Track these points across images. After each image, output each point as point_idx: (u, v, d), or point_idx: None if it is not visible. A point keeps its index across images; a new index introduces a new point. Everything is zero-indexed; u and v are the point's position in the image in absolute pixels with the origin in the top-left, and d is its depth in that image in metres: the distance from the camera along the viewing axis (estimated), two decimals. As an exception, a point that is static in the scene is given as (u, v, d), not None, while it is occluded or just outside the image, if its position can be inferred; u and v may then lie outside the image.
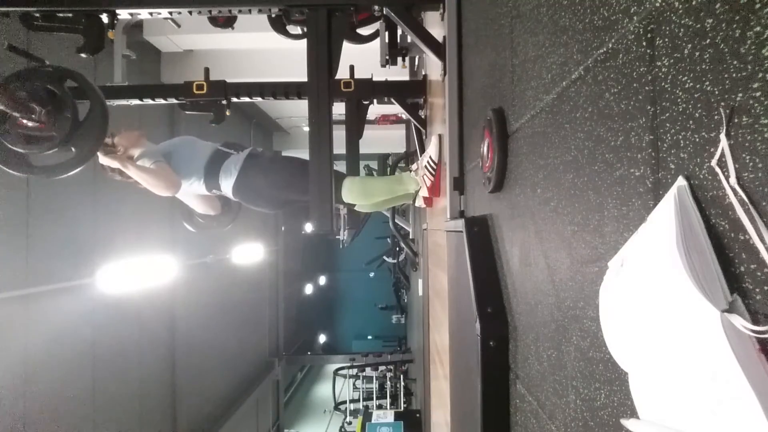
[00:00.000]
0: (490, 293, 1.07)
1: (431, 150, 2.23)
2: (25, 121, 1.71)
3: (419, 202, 2.44)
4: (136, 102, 2.79)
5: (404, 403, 8.62)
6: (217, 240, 7.19)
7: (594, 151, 0.60)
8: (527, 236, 0.88)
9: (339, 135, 2.45)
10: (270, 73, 5.50)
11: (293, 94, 2.93)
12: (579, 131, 0.64)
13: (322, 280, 17.56)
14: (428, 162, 2.24)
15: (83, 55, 2.20)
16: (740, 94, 0.35)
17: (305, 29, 2.35)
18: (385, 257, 11.56)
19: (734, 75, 0.36)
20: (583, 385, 0.62)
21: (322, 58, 2.12)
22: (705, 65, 0.39)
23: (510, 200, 1.02)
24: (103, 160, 2.16)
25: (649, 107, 0.48)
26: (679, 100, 0.43)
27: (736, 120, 0.36)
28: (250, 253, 8.13)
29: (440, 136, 2.21)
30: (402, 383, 8.72)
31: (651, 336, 0.43)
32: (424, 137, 3.31)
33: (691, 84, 0.41)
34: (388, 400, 8.88)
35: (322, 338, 17.15)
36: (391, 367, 9.02)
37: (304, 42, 2.21)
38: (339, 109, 2.83)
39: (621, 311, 0.49)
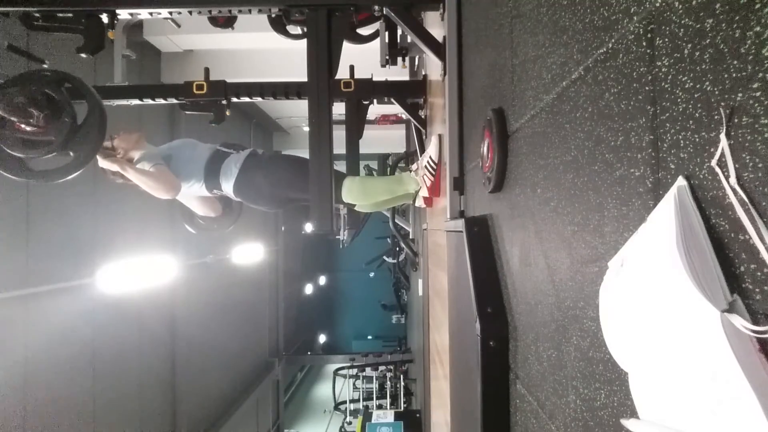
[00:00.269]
0: (490, 293, 1.07)
1: (431, 150, 2.23)
2: (23, 125, 1.71)
3: (419, 202, 2.44)
4: (136, 102, 2.79)
5: (404, 403, 8.62)
6: (217, 240, 7.19)
7: (594, 151, 0.60)
8: (527, 236, 0.88)
9: (339, 135, 2.45)
10: (270, 73, 5.50)
11: (293, 94, 2.93)
12: (579, 131, 0.64)
13: (322, 280, 17.56)
14: (428, 162, 2.24)
15: (83, 55, 2.20)
16: (740, 94, 0.35)
17: (305, 29, 2.35)
18: (385, 257, 11.56)
19: (734, 75, 0.36)
20: (583, 385, 0.62)
21: (322, 58, 2.12)
22: (705, 65, 0.39)
23: (510, 200, 1.02)
24: (102, 163, 2.16)
25: (649, 107, 0.48)
26: (679, 100, 0.43)
27: (736, 120, 0.36)
28: (250, 253, 8.13)
29: (440, 136, 2.21)
30: (402, 383, 8.72)
31: (651, 336, 0.43)
32: (424, 137, 3.31)
33: (691, 84, 0.41)
34: (388, 400, 8.88)
35: (322, 338, 17.15)
36: (391, 367, 9.02)
37: (304, 42, 2.21)
38: (339, 109, 2.83)
39: (621, 311, 0.49)
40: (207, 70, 2.88)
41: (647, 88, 0.48)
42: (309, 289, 15.91)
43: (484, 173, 1.18)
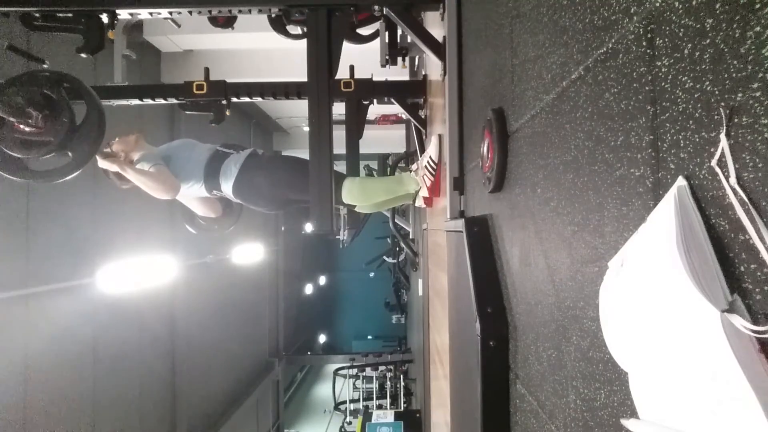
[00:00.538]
0: (490, 293, 1.07)
1: (431, 150, 2.23)
2: (22, 126, 1.71)
3: (419, 202, 2.44)
4: (136, 102, 2.79)
5: (404, 403, 8.62)
6: (217, 240, 7.19)
7: (594, 151, 0.60)
8: (527, 236, 0.88)
9: (339, 135, 2.45)
10: (270, 73, 5.50)
11: (293, 94, 2.93)
12: (579, 131, 0.64)
13: (322, 280, 17.56)
14: (428, 162, 2.24)
15: (83, 55, 2.20)
16: (740, 94, 0.35)
17: (305, 29, 2.35)
18: (385, 257, 11.56)
19: (734, 75, 0.36)
20: (583, 385, 0.62)
21: (322, 58, 2.12)
22: (705, 65, 0.39)
23: (510, 200, 1.02)
24: (102, 164, 2.16)
25: (649, 107, 0.48)
26: (679, 100, 0.43)
27: (736, 120, 0.36)
28: (250, 253, 8.12)
29: (440, 136, 2.21)
30: (402, 383, 8.72)
31: (651, 336, 0.43)
32: (424, 137, 3.31)
33: (691, 84, 0.41)
34: (388, 400, 8.87)
35: (322, 338, 17.15)
36: (391, 367, 9.02)
37: (304, 42, 2.21)
38: (339, 109, 2.83)
39: (621, 311, 0.49)
40: (207, 70, 2.88)
41: (647, 88, 0.48)
42: (309, 289, 15.90)
43: (484, 173, 1.18)
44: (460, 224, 1.30)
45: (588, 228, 0.61)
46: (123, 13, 2.17)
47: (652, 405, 0.44)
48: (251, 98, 2.97)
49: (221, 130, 3.90)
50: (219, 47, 5.67)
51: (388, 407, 8.41)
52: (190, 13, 2.19)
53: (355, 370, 9.41)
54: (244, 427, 8.57)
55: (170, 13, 2.18)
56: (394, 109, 4.90)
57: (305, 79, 2.16)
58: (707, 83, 0.39)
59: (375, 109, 4.26)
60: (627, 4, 0.52)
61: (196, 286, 6.38)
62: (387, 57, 2.66)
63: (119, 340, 4.83)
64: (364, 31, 2.93)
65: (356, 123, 3.01)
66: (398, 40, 2.76)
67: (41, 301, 3.76)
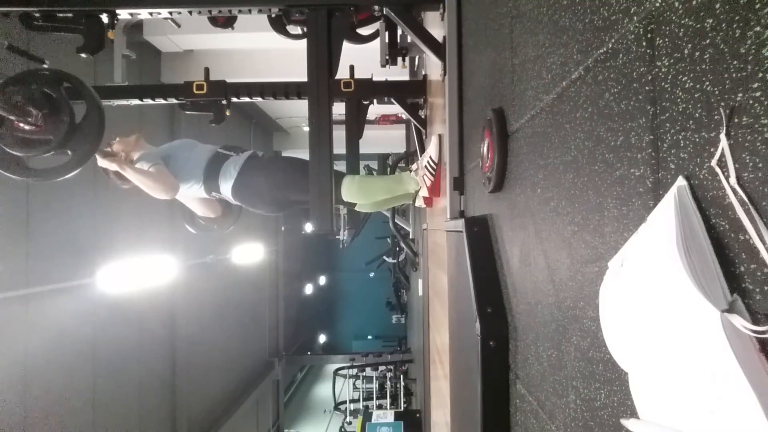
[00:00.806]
0: (490, 293, 1.07)
1: (431, 150, 2.23)
2: (21, 124, 1.71)
3: (419, 202, 2.44)
4: (136, 102, 2.79)
5: (404, 403, 8.62)
6: (217, 240, 7.19)
7: (594, 151, 0.60)
8: (527, 236, 0.88)
9: (339, 135, 2.45)
10: (270, 73, 5.50)
11: (293, 94, 2.93)
12: (579, 131, 0.64)
13: (322, 280, 17.56)
14: (428, 162, 2.23)
15: (83, 55, 2.20)
16: (740, 94, 0.35)
17: (305, 29, 2.35)
18: (385, 257, 11.56)
19: (734, 75, 0.36)
20: (583, 385, 0.62)
21: (322, 58, 2.12)
22: (705, 65, 0.39)
23: (510, 200, 1.02)
24: (101, 163, 2.16)
25: (649, 107, 0.48)
26: (679, 100, 0.43)
27: (736, 120, 0.36)
28: (250, 253, 8.13)
29: (440, 136, 2.21)
30: (402, 383, 8.72)
31: (651, 336, 0.43)
32: (424, 137, 3.31)
33: (691, 84, 0.41)
34: (388, 400, 8.88)
35: (322, 338, 17.15)
36: (391, 367, 9.03)
37: (304, 42, 2.21)
38: (339, 109, 2.83)
39: (621, 311, 0.49)
40: (207, 70, 2.88)
41: (647, 88, 0.48)
42: (309, 289, 15.91)
43: (484, 173, 1.18)
44: (460, 224, 1.30)
45: (588, 228, 0.61)
46: (123, 13, 2.18)
47: (652, 405, 0.44)
48: (251, 98, 2.98)
49: (221, 130, 3.91)
50: (219, 47, 5.67)
51: (388, 407, 8.41)
52: (190, 13, 2.19)
53: (355, 370, 9.42)
54: (244, 427, 8.57)
55: (170, 13, 2.18)
56: (394, 109, 4.91)
57: (305, 79, 2.16)
58: (707, 83, 0.39)
59: (375, 109, 4.27)
60: (627, 4, 0.52)
61: (196, 286, 6.38)
62: (387, 57, 2.66)
63: (119, 340, 4.83)
64: (364, 31, 2.93)
65: (356, 123, 3.01)
66: (398, 40, 2.76)
67: (41, 301, 3.76)
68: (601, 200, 0.58)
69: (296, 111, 8.50)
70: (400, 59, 2.79)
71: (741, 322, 0.33)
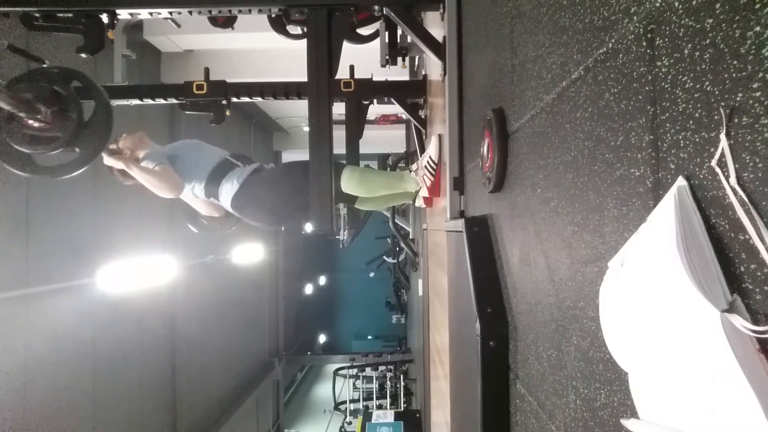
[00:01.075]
0: (490, 293, 1.07)
1: (431, 150, 2.23)
2: (30, 121, 1.72)
3: (419, 202, 2.44)
4: (136, 102, 2.79)
5: (404, 403, 8.62)
6: (217, 240, 7.19)
7: (594, 151, 0.60)
8: (527, 236, 0.88)
9: (339, 135, 2.45)
10: (270, 73, 5.51)
11: (293, 94, 2.93)
12: (579, 131, 0.64)
13: (322, 280, 17.56)
14: (428, 162, 2.23)
15: (83, 55, 2.20)
16: (740, 94, 0.35)
17: (305, 29, 2.35)
18: (385, 257, 11.56)
19: (734, 75, 0.36)
20: (583, 385, 0.62)
21: (322, 58, 2.12)
22: (705, 65, 0.39)
23: (510, 200, 1.02)
24: (107, 161, 2.16)
25: (649, 107, 0.48)
26: (679, 100, 0.43)
27: (736, 120, 0.36)
28: (250, 253, 8.13)
29: (440, 136, 2.21)
30: (402, 383, 8.72)
31: (651, 336, 0.43)
32: (424, 137, 3.31)
33: (691, 84, 0.41)
34: (388, 400, 8.88)
35: (322, 338, 17.16)
36: (391, 367, 9.03)
37: (304, 42, 2.21)
38: (339, 109, 2.83)
39: (621, 311, 0.49)
40: (207, 70, 2.88)
41: (647, 88, 0.48)
42: (309, 289, 15.91)
43: (484, 173, 1.18)
44: (460, 224, 1.30)
45: (588, 228, 0.61)
46: (123, 13, 2.18)
47: (652, 405, 0.44)
48: (251, 98, 2.98)
49: (221, 130, 3.91)
50: (219, 47, 5.67)
51: (388, 407, 8.42)
52: (190, 13, 2.19)
53: (355, 370, 9.42)
54: (244, 427, 8.57)
55: (170, 13, 2.18)
56: (394, 109, 4.91)
57: (305, 79, 2.16)
58: (707, 83, 0.39)
59: (375, 109, 4.27)
60: (627, 4, 0.52)
61: (196, 286, 6.38)
62: (387, 57, 2.66)
63: (119, 340, 4.83)
64: (364, 31, 2.93)
65: (356, 123, 3.01)
66: (398, 40, 2.76)
67: (41, 301, 3.76)
68: (601, 200, 0.58)
69: (296, 111, 8.50)
70: (400, 59, 2.79)
71: (741, 322, 0.33)
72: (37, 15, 2.16)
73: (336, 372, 9.84)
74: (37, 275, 3.73)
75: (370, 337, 17.29)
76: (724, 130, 0.37)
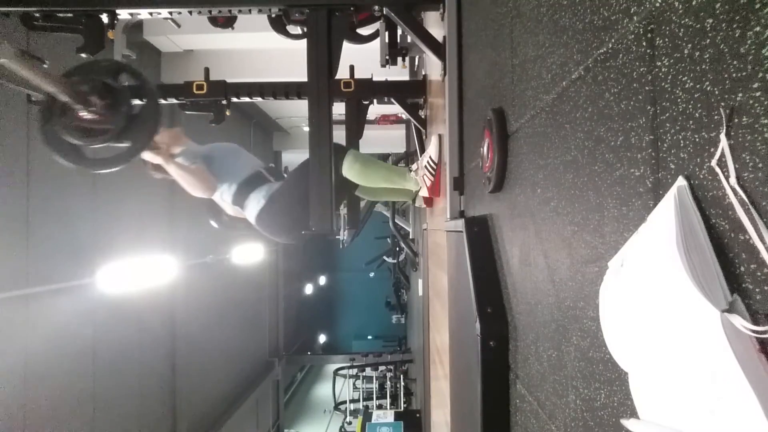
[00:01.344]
0: (490, 293, 1.07)
1: (431, 150, 2.23)
2: (83, 113, 1.71)
3: (419, 202, 2.44)
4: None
5: (404, 403, 8.62)
6: (217, 240, 7.19)
7: (594, 151, 0.60)
8: (527, 236, 0.88)
9: (339, 135, 2.44)
10: (270, 73, 5.51)
11: (293, 94, 2.93)
12: (579, 131, 0.64)
13: (322, 280, 17.56)
14: (428, 162, 2.23)
15: (83, 55, 2.20)
16: (740, 94, 0.35)
17: (305, 29, 2.35)
18: (385, 257, 11.57)
19: (734, 75, 0.36)
20: (583, 385, 0.62)
21: (322, 58, 2.12)
22: (705, 65, 0.39)
23: (510, 200, 1.02)
24: (146, 155, 2.16)
25: (649, 107, 0.48)
26: (679, 100, 0.43)
27: (736, 120, 0.36)
28: (250, 253, 8.12)
29: (440, 136, 2.21)
30: (402, 383, 8.72)
31: (651, 336, 0.43)
32: (424, 137, 3.31)
33: (691, 84, 0.41)
34: (388, 400, 8.88)
35: (322, 338, 17.16)
36: (391, 367, 9.03)
37: (304, 42, 2.21)
38: (339, 109, 2.83)
39: (621, 311, 0.49)
40: (207, 70, 2.88)
41: (647, 88, 0.48)
42: (309, 289, 15.91)
43: (484, 173, 1.18)
44: (460, 224, 1.30)
45: (588, 228, 0.61)
46: (123, 13, 2.18)
47: (652, 405, 0.44)
48: (251, 98, 2.98)
49: (221, 130, 3.90)
50: (219, 47, 5.67)
51: (388, 407, 8.42)
52: (190, 13, 2.19)
53: (355, 370, 9.42)
54: (244, 427, 8.57)
55: (170, 13, 2.18)
56: (394, 109, 4.91)
57: (305, 79, 2.16)
58: (707, 83, 0.39)
59: (375, 109, 4.26)
60: (627, 4, 0.52)
61: (196, 286, 6.38)
62: (387, 57, 2.66)
63: (119, 340, 4.83)
64: (364, 31, 2.93)
65: (356, 123, 3.01)
66: (398, 40, 2.76)
67: (41, 301, 3.76)
68: (601, 200, 0.58)
69: (296, 111, 8.50)
70: (400, 59, 2.79)
71: (741, 322, 0.33)
72: (37, 15, 2.16)
73: (336, 372, 9.84)
74: (37, 275, 3.73)
75: (370, 337, 17.30)
76: (724, 130, 0.37)
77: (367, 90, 2.97)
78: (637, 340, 0.46)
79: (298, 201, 2.21)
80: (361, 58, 3.01)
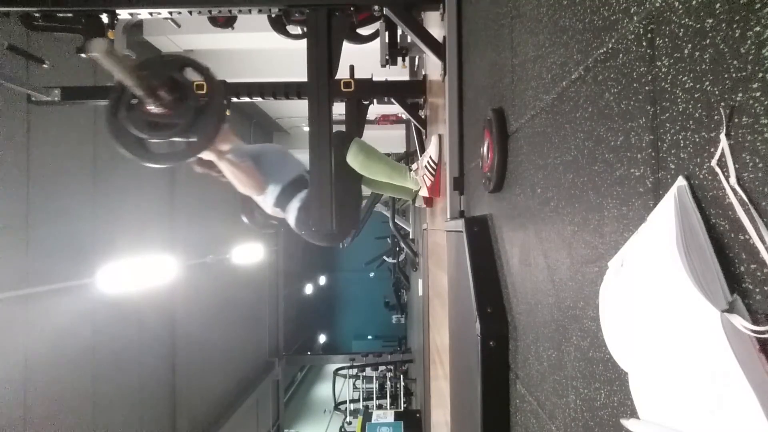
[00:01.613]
0: (490, 293, 1.07)
1: (431, 150, 2.23)
2: (151, 107, 1.71)
3: (419, 202, 2.43)
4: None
5: (404, 403, 8.63)
6: (217, 240, 7.20)
7: (594, 151, 0.60)
8: (527, 236, 0.88)
9: (339, 135, 2.44)
10: (270, 73, 5.51)
11: (293, 94, 2.93)
12: (579, 131, 0.64)
13: (322, 280, 17.57)
14: (428, 162, 2.23)
15: (83, 55, 2.20)
16: (740, 94, 0.35)
17: (305, 29, 2.35)
18: (385, 257, 11.57)
19: (734, 75, 0.36)
20: (583, 385, 0.62)
21: (322, 58, 2.12)
22: (705, 65, 0.39)
23: (510, 200, 1.02)
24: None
25: (649, 107, 0.48)
26: (679, 100, 0.43)
27: (736, 120, 0.36)
28: (250, 253, 8.13)
29: (440, 136, 2.21)
30: (402, 383, 8.72)
31: (651, 336, 0.43)
32: (424, 137, 3.31)
33: (691, 84, 0.41)
34: (388, 400, 8.88)
35: (322, 338, 17.16)
36: (391, 367, 9.03)
37: (304, 42, 2.21)
38: (339, 109, 2.83)
39: (621, 311, 0.49)
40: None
41: (647, 88, 0.48)
42: (309, 289, 15.91)
43: (484, 173, 1.18)
44: (460, 224, 1.30)
45: (588, 228, 0.61)
46: (123, 13, 2.18)
47: (652, 405, 0.44)
48: (251, 98, 2.97)
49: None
50: (219, 47, 5.67)
51: (388, 407, 8.42)
52: (190, 13, 2.19)
53: (355, 370, 9.42)
54: (245, 426, 8.57)
55: (170, 13, 2.18)
56: (394, 109, 4.91)
57: (305, 79, 2.16)
58: (707, 83, 0.39)
59: (375, 109, 4.27)
60: (627, 4, 0.52)
61: (196, 286, 6.38)
62: (387, 57, 2.66)
63: (119, 340, 4.83)
64: (364, 31, 2.93)
65: (356, 123, 3.01)
66: (398, 40, 2.76)
67: (41, 301, 3.76)
68: (601, 200, 0.58)
69: (296, 111, 8.50)
70: (400, 59, 2.79)
71: (741, 322, 0.33)
72: (37, 15, 2.16)
73: (336, 372, 9.84)
74: (37, 275, 3.73)
75: (370, 337, 17.30)
76: (724, 130, 0.37)
77: (367, 90, 2.97)
78: (637, 340, 0.46)
79: (340, 210, 2.22)
80: (361, 58, 3.01)
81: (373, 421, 5.41)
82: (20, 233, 3.66)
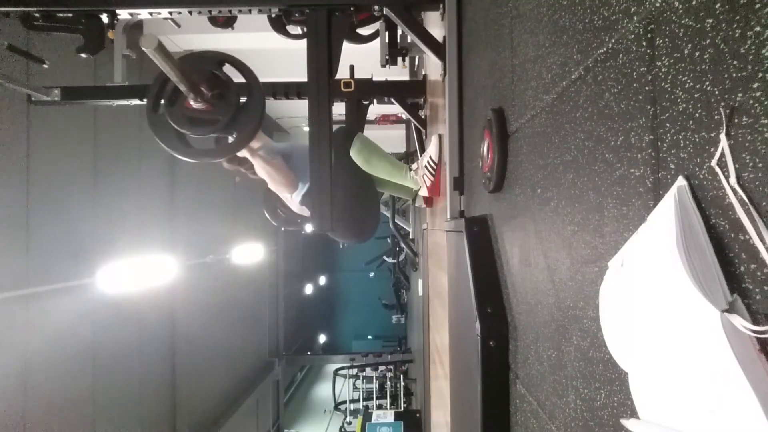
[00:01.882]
0: (490, 293, 1.07)
1: (431, 150, 2.23)
2: (192, 103, 1.71)
3: (419, 202, 2.43)
4: (136, 102, 2.78)
5: (404, 403, 8.62)
6: (217, 240, 7.20)
7: (594, 151, 0.60)
8: (527, 236, 0.88)
9: (339, 135, 2.44)
10: (270, 73, 5.49)
11: (293, 94, 2.92)
12: (579, 131, 0.64)
13: (322, 280, 17.56)
14: (428, 162, 2.23)
15: (83, 55, 2.20)
16: (740, 94, 0.35)
17: (305, 29, 2.35)
18: (385, 257, 11.56)
19: (734, 75, 0.36)
20: (583, 385, 0.62)
21: (322, 58, 2.12)
22: (705, 65, 0.39)
23: (510, 200, 1.02)
24: None
25: (649, 107, 0.48)
26: (679, 100, 0.43)
27: (736, 120, 0.36)
28: (250, 253, 8.13)
29: (440, 136, 2.21)
30: (402, 383, 8.72)
31: (651, 336, 0.43)
32: (424, 137, 3.31)
33: (691, 84, 0.41)
34: (388, 400, 8.88)
35: (322, 338, 17.15)
36: (391, 367, 9.03)
37: (304, 42, 2.21)
38: (339, 109, 2.83)
39: (621, 311, 0.49)
40: (207, 70, 2.87)
41: (647, 88, 0.48)
42: (309, 289, 15.90)
43: (484, 173, 1.18)
44: (460, 224, 1.30)
45: (588, 228, 0.61)
46: (123, 13, 2.17)
47: (652, 405, 0.44)
48: (251, 98, 2.97)
49: (221, 130, 3.90)
50: (219, 47, 5.66)
51: (388, 407, 8.42)
52: (190, 13, 2.19)
53: (355, 370, 9.42)
54: (244, 427, 8.57)
55: (170, 13, 2.18)
56: (394, 109, 4.91)
57: (305, 79, 2.16)
58: (707, 83, 0.39)
59: (375, 109, 4.26)
60: (627, 4, 0.52)
61: (196, 286, 6.38)
62: (387, 57, 2.66)
63: (119, 340, 4.83)
64: (364, 31, 2.93)
65: (356, 123, 3.01)
66: (398, 40, 2.76)
67: (41, 301, 3.76)
68: (601, 200, 0.58)
69: (296, 111, 8.50)
70: (400, 59, 2.79)
71: (741, 322, 0.33)
72: (37, 15, 2.16)
73: (336, 372, 9.84)
74: (37, 275, 3.73)
75: (370, 337, 17.29)
76: (724, 130, 0.37)
77: (367, 90, 2.97)
78: (637, 340, 0.46)
79: (360, 205, 2.22)
80: (361, 58, 3.01)
81: (373, 421, 5.40)
82: (20, 233, 3.65)
